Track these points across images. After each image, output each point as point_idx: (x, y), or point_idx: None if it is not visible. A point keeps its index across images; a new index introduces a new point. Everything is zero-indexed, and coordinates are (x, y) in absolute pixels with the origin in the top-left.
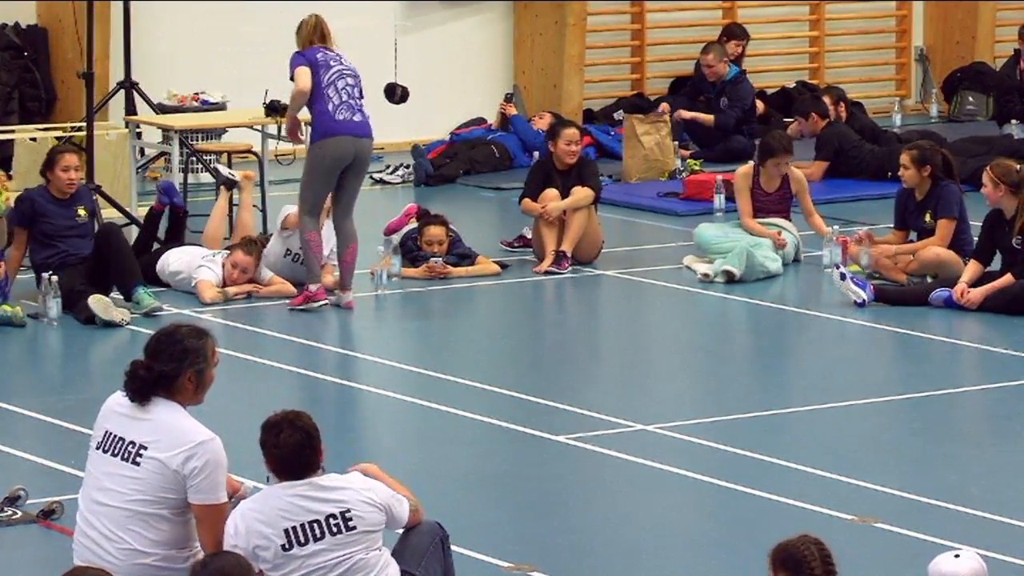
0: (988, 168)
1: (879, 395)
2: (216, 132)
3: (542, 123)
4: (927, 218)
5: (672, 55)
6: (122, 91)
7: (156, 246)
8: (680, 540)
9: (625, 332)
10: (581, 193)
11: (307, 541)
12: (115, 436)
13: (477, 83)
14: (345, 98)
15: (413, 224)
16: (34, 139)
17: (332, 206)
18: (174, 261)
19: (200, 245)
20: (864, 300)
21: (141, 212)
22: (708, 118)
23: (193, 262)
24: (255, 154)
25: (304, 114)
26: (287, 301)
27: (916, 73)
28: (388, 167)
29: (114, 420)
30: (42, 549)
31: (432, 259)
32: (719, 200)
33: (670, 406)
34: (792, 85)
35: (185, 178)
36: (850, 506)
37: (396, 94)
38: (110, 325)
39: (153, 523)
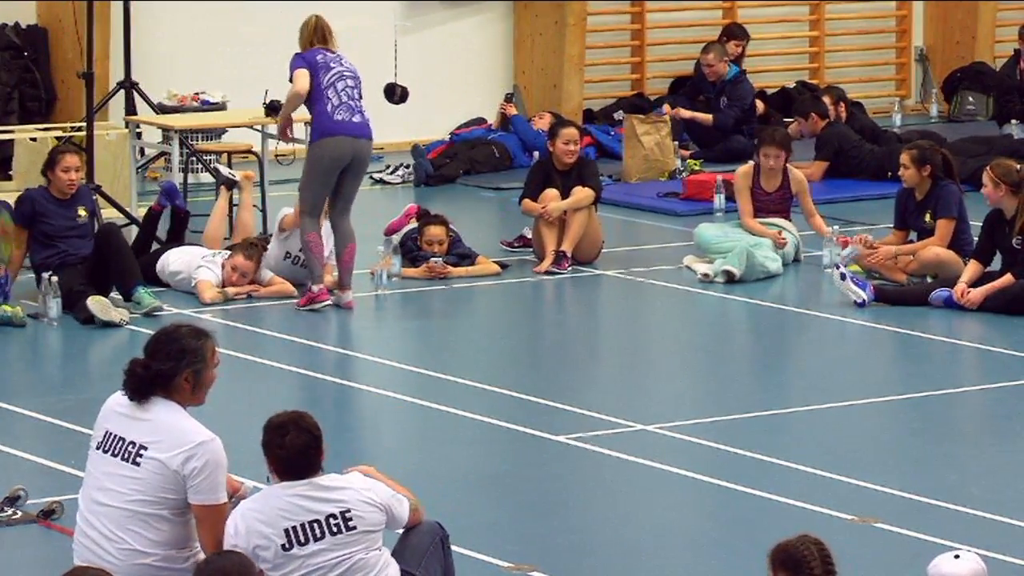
0: (988, 168)
1: (879, 395)
2: (216, 132)
3: (542, 123)
4: (927, 218)
5: (672, 55)
6: (122, 91)
7: (156, 246)
8: (680, 540)
9: (625, 332)
10: (581, 193)
11: (307, 541)
12: (115, 436)
13: (477, 83)
14: (345, 99)
15: (413, 224)
16: (34, 139)
17: (329, 207)
18: (174, 261)
19: (200, 245)
20: (864, 300)
21: (141, 212)
22: (707, 117)
23: (193, 262)
24: (255, 154)
25: (304, 114)
26: (287, 301)
27: (916, 73)
28: (388, 167)
29: (114, 420)
30: (42, 549)
31: (432, 259)
32: (719, 200)
33: (670, 406)
34: (792, 85)
35: (185, 178)
36: (850, 506)
37: (396, 94)
38: (110, 325)
39: (153, 523)
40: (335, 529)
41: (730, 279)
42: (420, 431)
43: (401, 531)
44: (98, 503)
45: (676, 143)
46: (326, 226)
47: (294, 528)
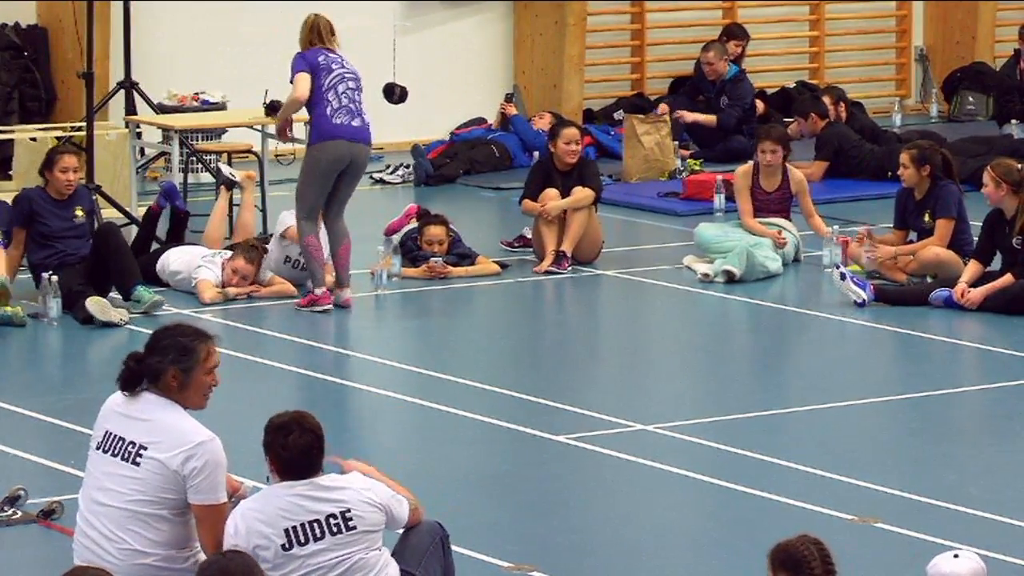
0: (989, 168)
1: (879, 395)
2: (216, 132)
3: (542, 123)
4: (926, 218)
5: (672, 55)
6: (122, 91)
7: (155, 246)
8: (680, 540)
9: (625, 332)
10: (582, 193)
11: (307, 541)
12: (115, 436)
13: (477, 83)
14: (345, 102)
15: (413, 224)
16: (34, 139)
17: (324, 209)
18: (174, 261)
19: (200, 245)
20: (864, 300)
21: (141, 212)
22: (710, 119)
23: (193, 262)
24: (255, 154)
25: (304, 114)
26: (287, 301)
27: (916, 73)
28: (388, 167)
29: (114, 420)
30: (42, 549)
31: (432, 259)
32: (719, 200)
33: (670, 406)
34: (792, 85)
35: (185, 178)
36: (850, 506)
37: (395, 94)
38: (109, 325)
39: (153, 523)
40: (335, 529)
41: (730, 279)
42: (420, 431)
43: (401, 531)
44: (98, 503)
45: (676, 143)
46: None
47: (294, 528)
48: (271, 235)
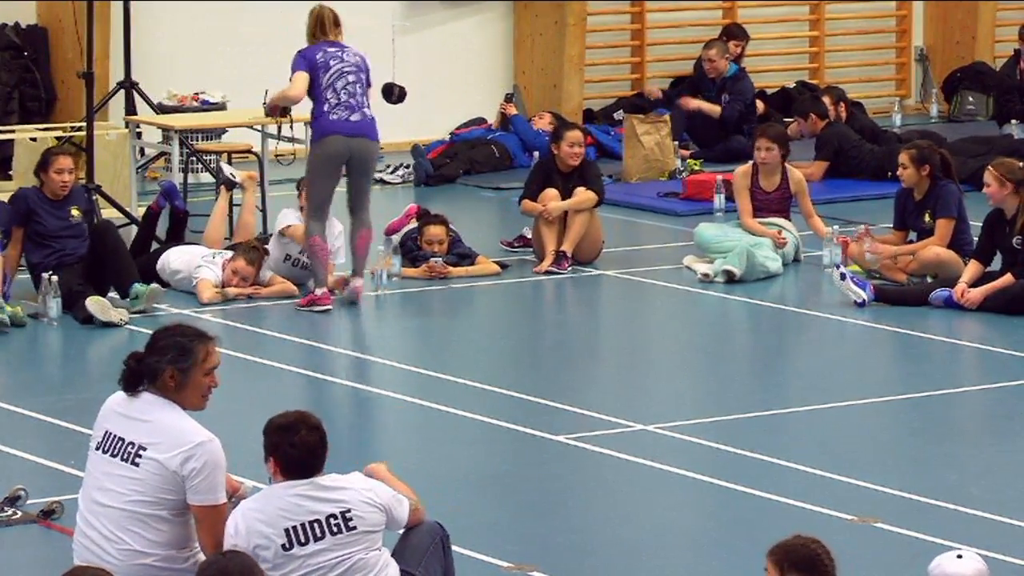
0: (991, 167)
1: (879, 395)
2: (216, 132)
3: (542, 123)
4: (926, 218)
5: (672, 55)
6: (122, 91)
7: (155, 246)
8: (680, 540)
9: (625, 332)
10: (584, 195)
11: (307, 541)
12: (115, 436)
13: (477, 83)
14: (344, 98)
15: (413, 224)
16: (34, 139)
17: (347, 203)
18: (175, 260)
19: (201, 245)
20: (864, 300)
21: (141, 212)
22: (715, 108)
23: (193, 261)
24: (255, 154)
25: (303, 114)
26: (288, 301)
27: (916, 73)
28: (388, 167)
29: (114, 420)
30: (42, 549)
31: (432, 259)
32: (719, 200)
33: (670, 406)
34: (792, 85)
35: (185, 178)
36: (850, 506)
37: (393, 94)
38: (109, 325)
39: (153, 524)
40: (335, 529)
41: (730, 279)
42: (420, 431)
43: (402, 531)
44: (98, 503)
45: (676, 143)
46: (327, 226)
47: (294, 528)
48: (271, 235)
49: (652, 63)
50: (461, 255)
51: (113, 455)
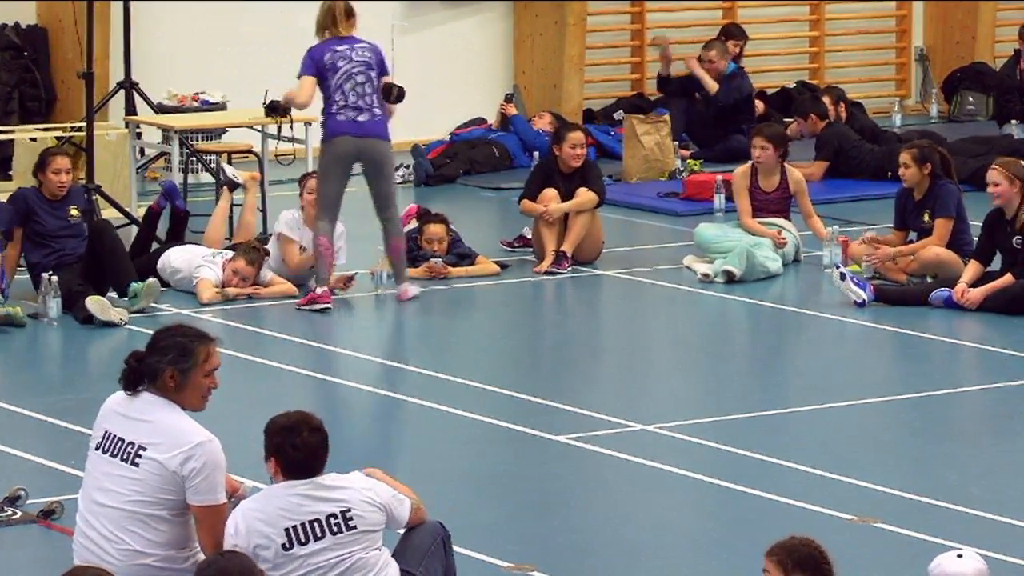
0: (999, 166)
1: (879, 395)
2: (216, 132)
3: (542, 123)
4: (926, 218)
5: (672, 55)
6: (122, 91)
7: (155, 246)
8: (680, 540)
9: (625, 332)
10: (585, 196)
11: (308, 540)
12: (114, 437)
13: (477, 83)
14: (353, 100)
15: (413, 224)
16: (34, 139)
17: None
18: (175, 259)
19: (201, 245)
20: (864, 300)
21: (141, 212)
22: (713, 84)
23: (193, 261)
24: (255, 154)
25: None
26: (288, 301)
27: (916, 73)
28: None
29: (113, 421)
30: (42, 549)
31: (432, 259)
32: (719, 200)
33: (670, 406)
34: (792, 85)
35: (185, 178)
36: (850, 506)
37: (392, 94)
38: (109, 325)
39: (152, 524)
40: (335, 528)
41: (730, 279)
42: (420, 431)
43: (402, 531)
44: (97, 503)
45: (676, 143)
46: (338, 229)
47: (295, 527)
48: (271, 235)
49: (652, 63)
50: (461, 255)
51: (113, 455)
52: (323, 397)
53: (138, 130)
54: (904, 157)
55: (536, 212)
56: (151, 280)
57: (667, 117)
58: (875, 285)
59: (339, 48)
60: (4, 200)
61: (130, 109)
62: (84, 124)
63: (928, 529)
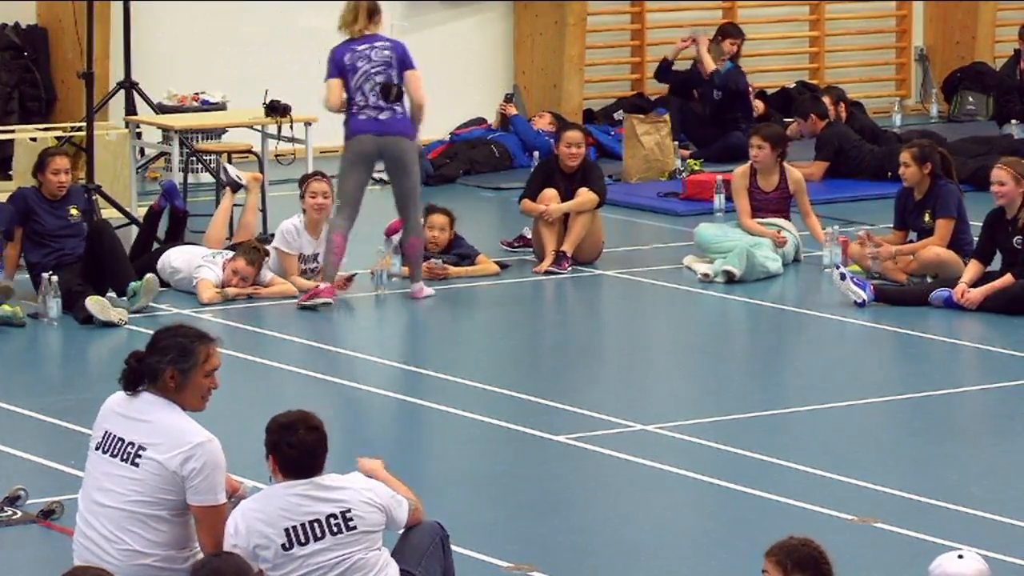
0: (1004, 166)
1: (879, 395)
2: (216, 132)
3: (542, 123)
4: (926, 218)
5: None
6: (122, 91)
7: (156, 246)
8: (680, 540)
9: (625, 332)
10: (585, 196)
11: (307, 540)
12: (114, 437)
13: (477, 83)
14: (372, 100)
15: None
16: (34, 139)
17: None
18: (175, 259)
19: (201, 245)
20: (864, 300)
21: (141, 212)
22: (710, 64)
23: (193, 261)
24: (255, 154)
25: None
26: (288, 301)
27: (916, 73)
28: None
29: (113, 421)
30: (42, 549)
31: (432, 259)
32: (719, 200)
33: (670, 406)
34: (792, 85)
35: (185, 178)
36: (850, 506)
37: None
38: (109, 325)
39: (152, 524)
40: (335, 529)
41: (730, 279)
42: (420, 431)
43: (401, 531)
44: (97, 503)
45: (676, 143)
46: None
47: (294, 528)
48: (272, 235)
49: (652, 63)
50: (461, 255)
51: (113, 455)
52: (323, 397)
53: (138, 130)
54: (904, 156)
55: (536, 212)
56: (149, 276)
57: (667, 117)
58: (875, 285)
59: (359, 48)
60: (4, 200)
61: (130, 109)
62: (84, 124)
63: (928, 529)
